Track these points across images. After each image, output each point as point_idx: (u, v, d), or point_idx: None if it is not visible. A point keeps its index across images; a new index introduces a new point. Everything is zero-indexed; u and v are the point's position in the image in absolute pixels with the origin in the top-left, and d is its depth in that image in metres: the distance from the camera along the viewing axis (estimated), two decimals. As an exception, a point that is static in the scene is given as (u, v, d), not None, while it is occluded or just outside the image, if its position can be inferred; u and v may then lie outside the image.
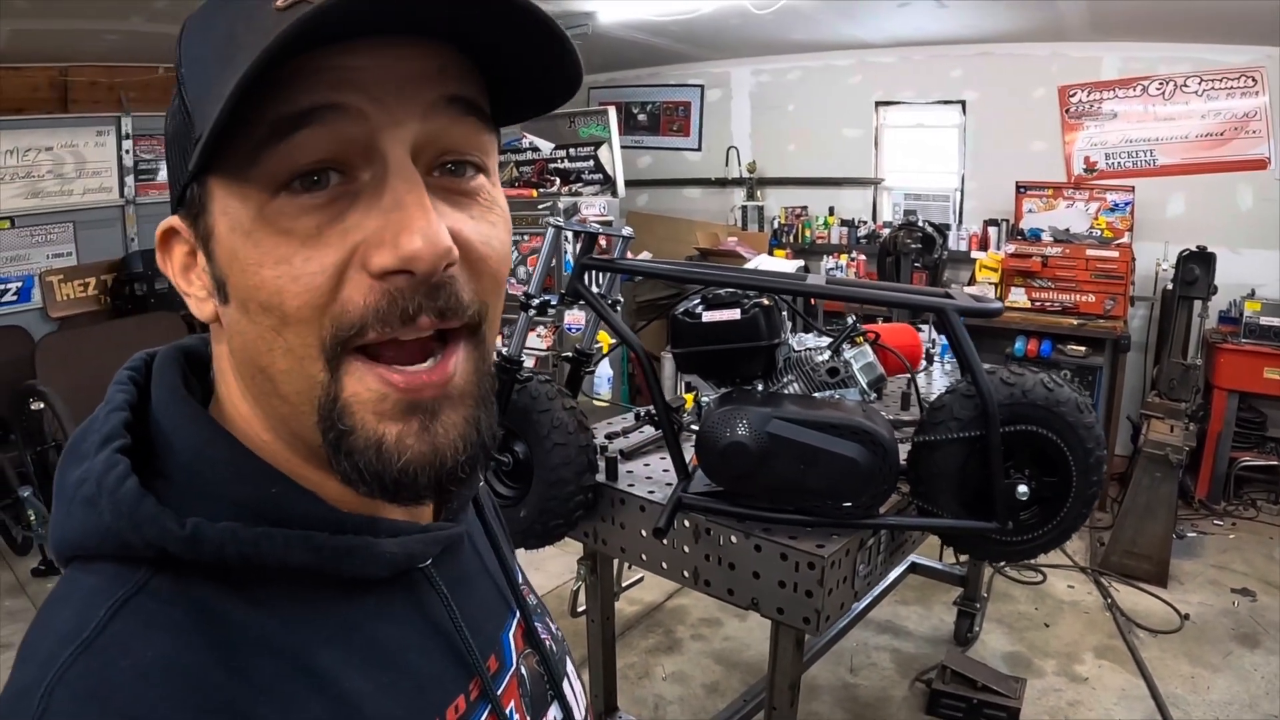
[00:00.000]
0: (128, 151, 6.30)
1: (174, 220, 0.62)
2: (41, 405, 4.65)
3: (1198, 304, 5.51)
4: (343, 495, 0.63)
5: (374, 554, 0.63)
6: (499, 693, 0.73)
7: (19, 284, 5.89)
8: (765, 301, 2.20)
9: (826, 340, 2.31)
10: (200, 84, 0.56)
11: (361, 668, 0.61)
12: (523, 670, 0.79)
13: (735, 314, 2.18)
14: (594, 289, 2.45)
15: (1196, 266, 5.38)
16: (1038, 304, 5.93)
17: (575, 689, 0.87)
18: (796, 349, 2.29)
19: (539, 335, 6.06)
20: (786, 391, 2.25)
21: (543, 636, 0.84)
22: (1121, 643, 4.09)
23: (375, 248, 0.55)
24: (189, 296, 0.63)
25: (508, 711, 0.73)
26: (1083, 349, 5.72)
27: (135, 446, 0.61)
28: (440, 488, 0.60)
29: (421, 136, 0.57)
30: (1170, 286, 5.65)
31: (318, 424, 0.58)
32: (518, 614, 0.83)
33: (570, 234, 2.58)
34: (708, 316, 2.20)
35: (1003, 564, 4.75)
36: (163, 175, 6.51)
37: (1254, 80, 5.57)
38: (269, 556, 0.58)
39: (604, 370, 5.88)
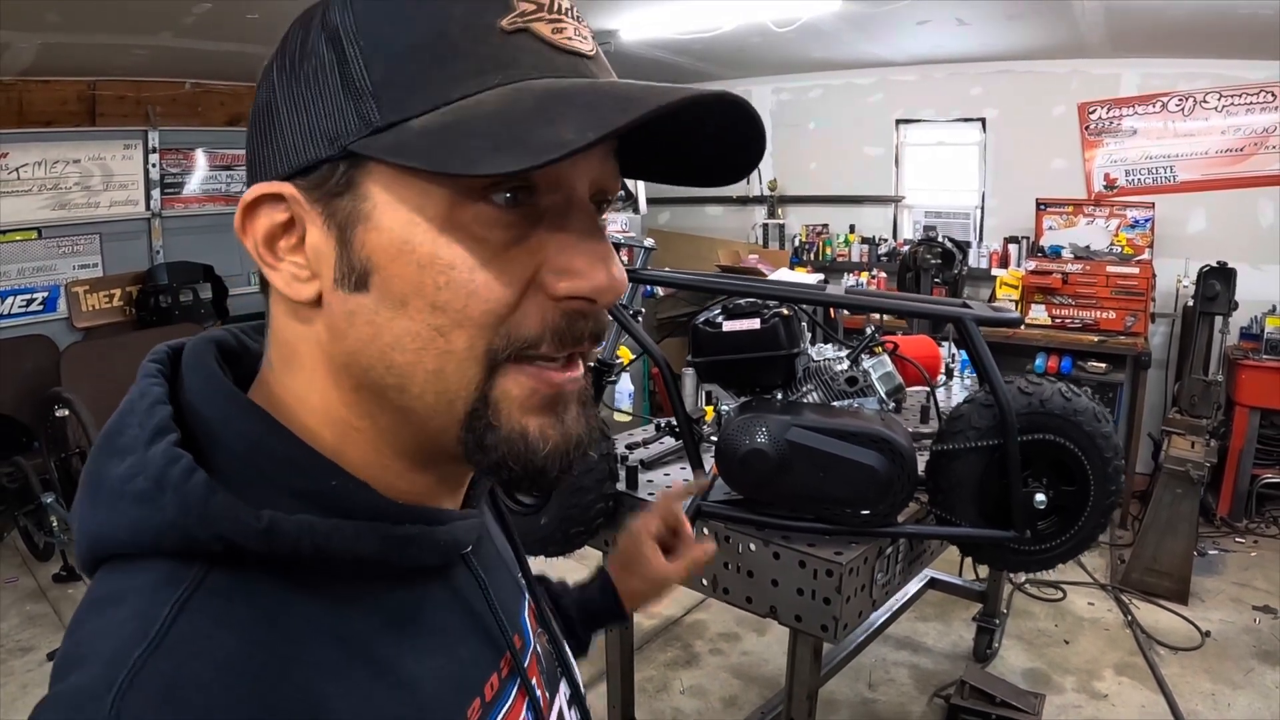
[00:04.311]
0: (154, 165, 6.38)
1: (284, 187, 0.59)
2: (66, 412, 4.70)
3: (1219, 320, 5.49)
4: (393, 487, 0.64)
5: (432, 542, 0.64)
6: (525, 668, 0.75)
7: (45, 294, 5.96)
8: (785, 311, 2.22)
9: (845, 350, 2.32)
10: (393, 69, 0.55)
11: (413, 652, 0.62)
12: (538, 648, 0.81)
13: (755, 324, 2.20)
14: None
15: (1217, 282, 5.36)
16: (1058, 321, 5.92)
17: (575, 667, 0.89)
18: (816, 359, 2.30)
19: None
20: (806, 400, 2.26)
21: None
22: (1142, 660, 4.06)
23: (563, 274, 0.58)
24: (274, 270, 0.60)
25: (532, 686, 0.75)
26: (1103, 366, 5.71)
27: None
28: (562, 474, 0.63)
29: (597, 174, 0.61)
30: (1191, 303, 5.63)
31: (462, 420, 0.59)
32: (528, 595, 0.85)
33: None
34: (728, 326, 2.22)
35: (1023, 581, 4.74)
36: (189, 189, 6.60)
37: (1273, 96, 5.56)
38: (340, 548, 0.58)
39: (625, 386, 5.89)
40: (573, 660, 0.88)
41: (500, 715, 0.69)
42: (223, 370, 0.65)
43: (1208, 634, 4.26)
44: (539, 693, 0.76)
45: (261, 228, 0.60)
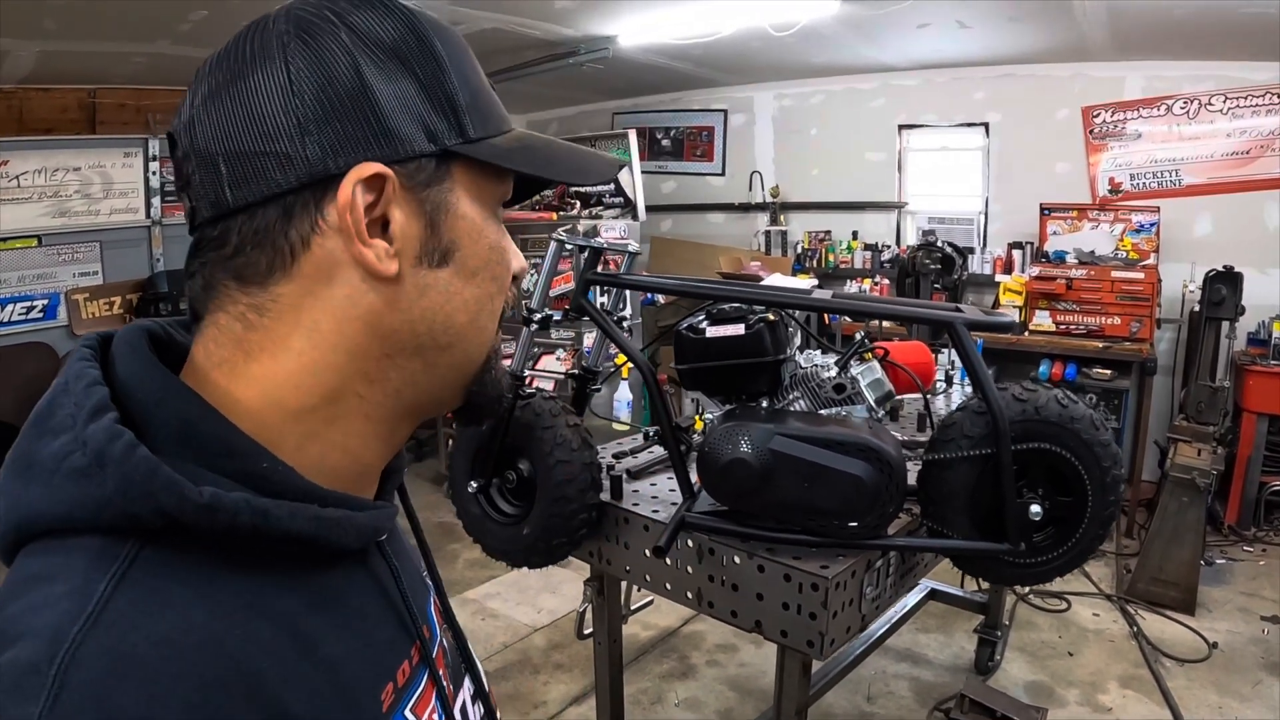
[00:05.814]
0: (154, 173, 6.35)
1: (388, 171, 0.64)
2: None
3: (1225, 325, 5.42)
4: (314, 472, 0.66)
5: (355, 525, 0.67)
6: (433, 658, 0.78)
7: (45, 301, 5.94)
8: (770, 317, 2.17)
9: (834, 357, 2.27)
10: (472, 99, 0.69)
11: (334, 632, 0.64)
12: (444, 642, 0.84)
13: (740, 329, 2.15)
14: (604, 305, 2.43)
15: (1223, 287, 5.30)
16: (1063, 327, 5.86)
17: (479, 665, 0.92)
18: (803, 365, 2.25)
19: (558, 359, 6.03)
20: (792, 408, 2.21)
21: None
22: (1147, 672, 3.99)
23: (515, 256, 0.77)
24: (367, 249, 0.65)
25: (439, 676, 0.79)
26: (1108, 372, 5.65)
27: None
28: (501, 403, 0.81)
29: None
30: (1197, 308, 5.55)
31: (481, 365, 0.75)
32: (433, 593, 0.88)
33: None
34: (712, 332, 2.17)
35: (1026, 592, 4.67)
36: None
37: (1278, 98, 5.51)
38: (275, 525, 0.60)
39: (624, 394, 5.85)
40: (476, 658, 0.91)
41: (412, 701, 0.72)
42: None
43: (1215, 645, 4.19)
44: (445, 684, 0.79)
45: (360, 208, 0.64)
